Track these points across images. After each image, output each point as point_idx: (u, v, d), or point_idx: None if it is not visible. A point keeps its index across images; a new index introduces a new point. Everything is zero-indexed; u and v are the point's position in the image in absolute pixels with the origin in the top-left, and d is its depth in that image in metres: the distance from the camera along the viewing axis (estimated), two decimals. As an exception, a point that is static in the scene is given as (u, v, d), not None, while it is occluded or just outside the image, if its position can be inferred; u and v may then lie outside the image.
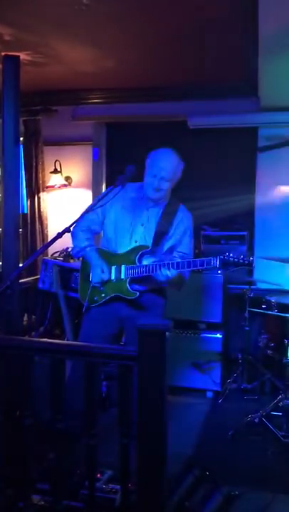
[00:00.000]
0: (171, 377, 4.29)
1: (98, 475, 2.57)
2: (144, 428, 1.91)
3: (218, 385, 4.22)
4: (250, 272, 4.62)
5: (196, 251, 4.70)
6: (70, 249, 3.66)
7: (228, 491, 2.17)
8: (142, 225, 2.96)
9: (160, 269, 2.79)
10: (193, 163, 4.89)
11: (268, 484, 2.87)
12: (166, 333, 1.88)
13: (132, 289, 2.89)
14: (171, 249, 3.04)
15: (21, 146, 5.00)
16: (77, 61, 3.96)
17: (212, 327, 4.30)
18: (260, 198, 4.65)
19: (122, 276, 2.91)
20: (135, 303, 2.94)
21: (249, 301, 4.11)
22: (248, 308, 4.11)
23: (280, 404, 3.45)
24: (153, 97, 4.63)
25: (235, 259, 2.69)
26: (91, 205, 2.91)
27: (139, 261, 2.89)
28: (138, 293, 2.89)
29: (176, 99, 4.61)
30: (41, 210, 4.93)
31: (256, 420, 3.40)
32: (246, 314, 4.15)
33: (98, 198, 2.73)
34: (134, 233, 2.95)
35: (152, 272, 2.83)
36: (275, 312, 3.66)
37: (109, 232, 3.02)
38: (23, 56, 3.79)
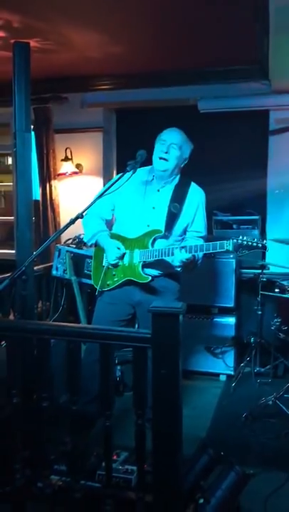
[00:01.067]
0: (185, 361, 4.33)
1: (114, 456, 2.63)
2: (159, 409, 1.94)
3: (232, 369, 4.26)
4: (263, 256, 4.62)
5: (209, 236, 4.72)
6: (82, 236, 3.68)
7: (243, 470, 2.19)
8: (154, 208, 2.96)
9: (173, 253, 2.80)
10: (204, 148, 4.88)
11: (281, 465, 2.91)
12: (180, 316, 1.91)
13: (144, 273, 2.91)
14: (185, 230, 3.05)
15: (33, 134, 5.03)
16: (86, 47, 3.94)
17: (225, 311, 4.32)
18: (272, 182, 4.62)
19: (135, 261, 2.93)
20: (148, 287, 2.96)
21: (262, 285, 4.12)
22: (260, 292, 4.11)
23: (294, 386, 3.47)
24: (163, 81, 4.59)
25: (249, 242, 2.70)
26: (102, 190, 2.90)
27: (152, 245, 2.91)
28: (150, 277, 2.91)
29: (185, 83, 4.57)
30: (53, 197, 4.95)
31: (270, 403, 3.42)
32: (259, 298, 4.16)
33: (109, 184, 2.73)
34: (146, 217, 2.96)
35: (165, 255, 2.85)
36: (288, 295, 3.67)
37: (121, 218, 3.04)
38: (32, 43, 3.78)
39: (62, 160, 4.88)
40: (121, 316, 3.04)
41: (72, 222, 2.51)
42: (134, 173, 2.69)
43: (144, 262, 2.91)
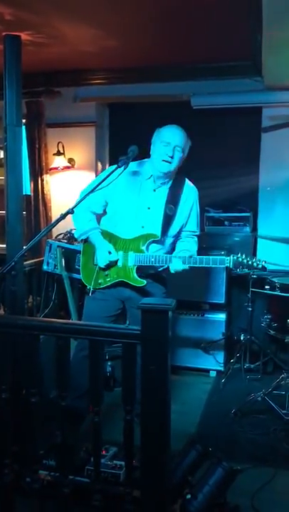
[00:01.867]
0: (175, 357, 4.34)
1: (103, 451, 2.63)
2: (148, 405, 1.94)
3: (222, 365, 4.28)
4: (254, 253, 4.64)
5: (201, 233, 4.72)
6: (74, 232, 3.66)
7: (230, 466, 2.20)
8: (149, 208, 2.92)
9: (171, 260, 2.79)
10: (197, 144, 4.85)
11: (270, 461, 2.93)
12: (170, 313, 1.91)
13: (139, 276, 2.88)
14: (180, 230, 3.04)
15: (24, 128, 4.99)
16: (79, 41, 3.92)
17: (215, 308, 4.33)
18: (264, 179, 4.63)
19: (130, 264, 2.89)
20: (138, 288, 2.95)
21: (252, 282, 4.13)
22: (251, 289, 4.12)
23: (283, 383, 3.49)
24: (156, 77, 4.58)
25: (249, 262, 2.69)
26: (92, 184, 2.87)
27: (147, 249, 2.89)
28: (146, 281, 2.90)
29: (179, 79, 4.56)
30: (45, 192, 4.93)
31: (259, 399, 3.44)
32: (249, 295, 4.17)
33: (100, 179, 2.71)
34: (140, 217, 2.92)
35: (162, 262, 2.84)
36: (278, 293, 3.68)
37: (114, 214, 2.99)
38: (24, 36, 3.76)
39: (54, 154, 4.86)
40: (111, 312, 3.03)
41: (63, 217, 2.50)
42: (125, 168, 2.67)
43: (138, 266, 2.88)
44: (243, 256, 2.72)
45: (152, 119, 4.87)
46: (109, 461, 2.55)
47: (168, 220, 2.93)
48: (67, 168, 4.88)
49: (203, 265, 2.77)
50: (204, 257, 2.79)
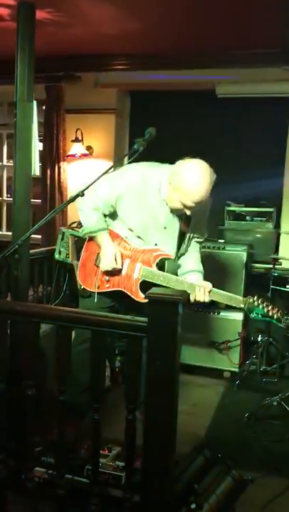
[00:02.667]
0: (188, 356, 4.17)
1: (106, 451, 2.48)
2: (153, 404, 1.78)
3: (237, 366, 4.08)
4: (276, 249, 4.43)
5: (219, 227, 4.53)
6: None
7: (240, 475, 2.02)
8: (165, 228, 2.67)
9: (187, 288, 2.56)
10: (219, 135, 4.70)
11: (282, 471, 2.73)
12: (180, 305, 1.73)
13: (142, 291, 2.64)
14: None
15: (43, 113, 4.87)
16: (100, 21, 3.76)
17: (233, 306, 4.12)
18: (290, 173, 4.41)
19: (134, 276, 2.69)
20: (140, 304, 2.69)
21: (273, 280, 3.92)
22: (271, 287, 3.92)
23: (301, 388, 3.29)
24: (180, 64, 4.39)
25: (264, 309, 2.48)
26: (104, 177, 2.66)
27: (157, 266, 2.67)
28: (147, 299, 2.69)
29: (204, 66, 4.36)
30: (61, 180, 4.80)
31: (274, 403, 3.25)
32: (269, 293, 3.97)
33: (114, 172, 2.53)
34: (154, 234, 2.67)
35: (174, 286, 2.59)
36: (299, 292, 3.48)
37: (126, 221, 2.73)
38: (43, 14, 3.62)
39: (72, 141, 4.72)
40: (107, 303, 2.85)
41: (72, 200, 2.36)
42: (142, 150, 2.49)
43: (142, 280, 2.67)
44: (260, 302, 2.49)
45: (175, 108, 4.75)
46: (111, 462, 2.40)
47: (182, 238, 2.73)
48: (85, 155, 4.73)
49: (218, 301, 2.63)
50: (225, 293, 2.59)
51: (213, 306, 4.12)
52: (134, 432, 1.89)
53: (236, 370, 4.07)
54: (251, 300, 2.49)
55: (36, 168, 3.93)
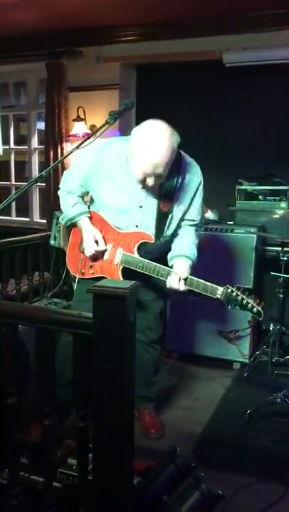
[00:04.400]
0: (196, 346, 3.95)
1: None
2: (101, 412, 1.57)
3: (247, 357, 3.81)
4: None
5: (230, 207, 4.23)
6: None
7: (210, 490, 1.79)
8: (141, 207, 2.44)
9: (160, 272, 2.37)
10: (229, 108, 4.36)
11: (281, 475, 2.48)
12: (127, 299, 1.50)
13: (123, 277, 2.45)
14: (179, 225, 2.57)
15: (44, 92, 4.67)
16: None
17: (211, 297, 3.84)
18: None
19: (115, 261, 2.49)
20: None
21: (285, 265, 3.61)
22: (283, 274, 3.60)
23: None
24: (184, 32, 4.08)
25: (244, 301, 2.24)
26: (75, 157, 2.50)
27: (138, 251, 2.46)
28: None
29: (210, 33, 4.03)
30: (65, 161, 4.58)
31: (278, 400, 2.97)
32: (281, 280, 3.66)
33: (82, 150, 2.29)
34: (132, 214, 2.46)
35: (149, 271, 2.39)
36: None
37: (104, 203, 2.52)
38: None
39: (73, 120, 4.50)
40: None
41: (35, 182, 2.15)
42: (113, 122, 2.25)
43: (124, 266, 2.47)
44: (240, 291, 2.24)
45: (183, 82, 4.43)
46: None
47: (163, 219, 2.46)
48: (88, 135, 4.49)
49: (194, 290, 2.32)
50: (201, 282, 2.31)
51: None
52: (86, 440, 1.68)
53: (247, 361, 3.80)
54: (229, 290, 2.23)
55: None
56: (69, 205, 2.57)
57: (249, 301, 2.22)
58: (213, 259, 3.77)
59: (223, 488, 2.13)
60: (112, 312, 1.51)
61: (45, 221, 4.90)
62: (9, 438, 1.80)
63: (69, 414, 2.67)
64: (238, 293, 2.22)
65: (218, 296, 2.25)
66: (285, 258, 3.53)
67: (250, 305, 2.23)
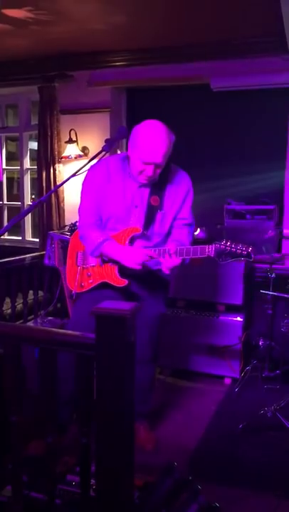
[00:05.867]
0: (187, 361, 4.02)
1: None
2: (103, 433, 1.64)
3: (237, 372, 3.90)
4: (279, 249, 4.23)
5: (219, 226, 4.35)
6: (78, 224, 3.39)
7: (208, 502, 1.86)
8: (136, 206, 2.61)
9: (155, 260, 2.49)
10: (217, 130, 4.51)
11: (273, 489, 2.55)
12: (128, 320, 1.59)
13: (121, 276, 2.58)
14: (172, 225, 2.71)
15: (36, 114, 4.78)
16: (85, 17, 3.62)
17: (232, 309, 3.95)
18: (292, 169, 4.19)
19: (111, 262, 2.60)
20: (127, 292, 2.64)
21: (274, 282, 3.72)
22: (271, 290, 3.72)
23: (299, 397, 3.10)
24: (173, 57, 4.23)
25: (232, 249, 2.35)
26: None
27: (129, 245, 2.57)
28: (127, 281, 2.58)
29: (197, 59, 4.18)
30: (57, 182, 4.68)
31: (269, 414, 3.06)
32: (269, 296, 3.77)
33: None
34: (129, 217, 2.61)
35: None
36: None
37: (105, 216, 2.66)
38: (25, 13, 3.52)
39: (66, 142, 4.61)
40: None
41: (32, 208, 2.25)
42: (107, 151, 2.38)
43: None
44: (228, 243, 2.38)
45: (172, 104, 4.58)
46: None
47: (152, 211, 2.59)
48: (80, 156, 4.61)
49: (184, 256, 2.43)
50: (190, 247, 2.44)
51: (211, 309, 3.97)
52: (87, 456, 1.75)
53: (237, 376, 3.89)
54: (217, 244, 2.38)
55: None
56: (92, 240, 2.60)
57: (238, 247, 2.36)
58: (202, 276, 3.89)
59: (217, 500, 2.21)
60: (114, 332, 1.60)
61: (37, 240, 4.97)
62: (13, 455, 1.86)
63: (66, 431, 2.73)
64: (226, 244, 2.36)
65: (211, 254, 2.36)
66: (273, 275, 3.64)
67: (239, 251, 2.35)
